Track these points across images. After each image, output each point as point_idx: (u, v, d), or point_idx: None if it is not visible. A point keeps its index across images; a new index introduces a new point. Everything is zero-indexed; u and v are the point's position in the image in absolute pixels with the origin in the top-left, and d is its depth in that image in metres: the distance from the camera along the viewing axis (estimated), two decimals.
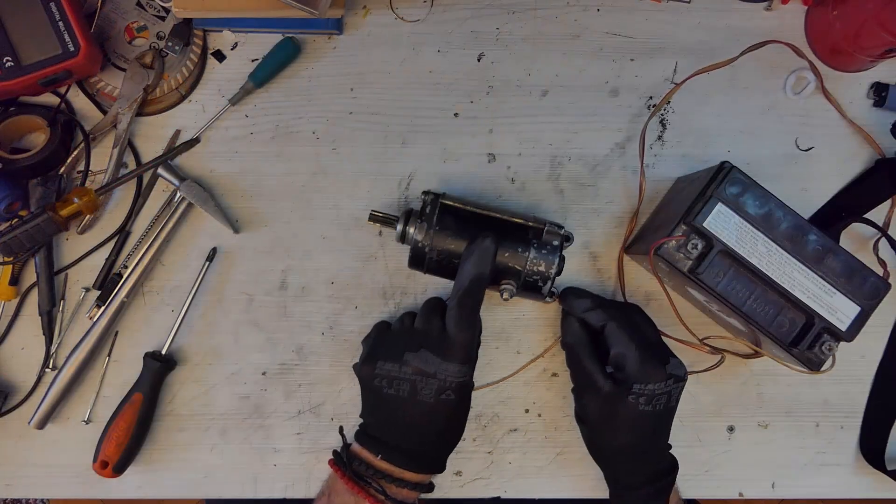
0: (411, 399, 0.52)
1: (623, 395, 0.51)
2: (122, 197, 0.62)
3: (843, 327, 0.52)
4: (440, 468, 0.56)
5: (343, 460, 0.53)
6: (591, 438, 0.57)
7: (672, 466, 0.55)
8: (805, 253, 0.52)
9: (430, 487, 0.55)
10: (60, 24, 0.57)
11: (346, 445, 0.55)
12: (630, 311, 0.58)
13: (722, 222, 0.52)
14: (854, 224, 0.61)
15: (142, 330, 0.62)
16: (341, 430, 0.58)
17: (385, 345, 0.54)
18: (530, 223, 0.56)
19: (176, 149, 0.62)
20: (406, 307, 0.62)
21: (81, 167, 0.61)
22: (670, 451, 0.56)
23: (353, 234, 0.63)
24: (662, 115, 0.64)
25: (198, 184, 0.61)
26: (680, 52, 0.64)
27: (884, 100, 0.63)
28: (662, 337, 0.57)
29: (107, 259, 0.61)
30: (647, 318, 0.58)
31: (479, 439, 0.62)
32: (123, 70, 0.61)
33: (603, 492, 0.60)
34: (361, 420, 0.56)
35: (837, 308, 0.52)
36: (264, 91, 0.63)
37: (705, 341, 0.58)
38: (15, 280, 0.60)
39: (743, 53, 0.62)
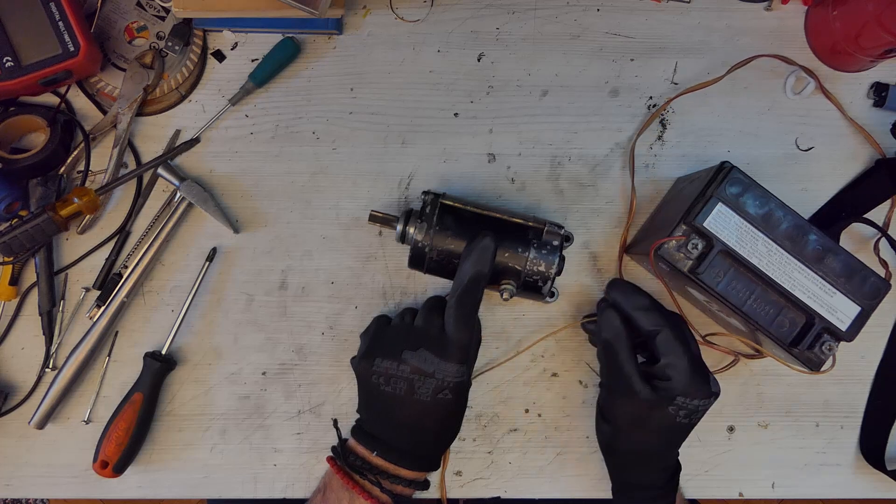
0: (408, 397, 0.52)
1: (663, 405, 0.51)
2: (122, 197, 0.62)
3: (843, 327, 0.52)
4: (436, 466, 0.56)
5: (339, 453, 0.53)
6: (612, 438, 0.55)
7: (678, 466, 0.56)
8: (805, 253, 0.52)
9: (425, 484, 0.55)
10: (60, 24, 0.57)
11: (343, 440, 0.55)
12: (678, 320, 0.55)
13: (722, 222, 0.52)
14: (854, 224, 0.61)
15: (142, 330, 0.62)
16: (336, 423, 0.58)
17: (384, 341, 0.54)
18: (530, 223, 0.56)
19: (176, 149, 0.62)
20: (406, 307, 0.62)
21: (81, 167, 0.61)
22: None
23: (353, 234, 0.63)
24: (662, 115, 0.64)
25: (198, 184, 0.61)
26: (680, 52, 0.64)
27: (884, 100, 0.63)
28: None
29: (107, 259, 0.61)
30: (689, 331, 0.55)
31: (479, 439, 0.62)
32: (123, 70, 0.61)
33: (602, 492, 0.61)
34: (358, 415, 0.56)
35: (838, 308, 0.52)
36: (264, 91, 0.63)
37: (709, 339, 0.58)
38: (15, 280, 0.60)
39: (730, 71, 0.62)
